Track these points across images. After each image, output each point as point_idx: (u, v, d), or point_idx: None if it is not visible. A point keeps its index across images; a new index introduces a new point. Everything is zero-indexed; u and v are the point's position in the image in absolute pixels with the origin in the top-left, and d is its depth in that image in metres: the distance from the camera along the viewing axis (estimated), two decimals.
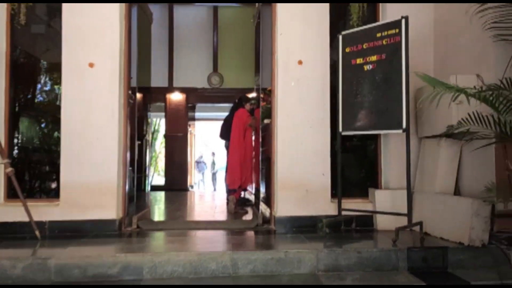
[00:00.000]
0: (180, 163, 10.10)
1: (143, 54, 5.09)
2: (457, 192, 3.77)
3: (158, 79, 10.14)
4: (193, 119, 11.19)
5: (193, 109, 10.86)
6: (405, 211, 3.52)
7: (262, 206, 4.98)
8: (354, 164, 4.48)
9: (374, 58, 3.72)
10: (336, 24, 4.35)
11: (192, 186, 11.89)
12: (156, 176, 13.83)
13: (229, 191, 5.48)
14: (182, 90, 10.17)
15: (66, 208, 3.83)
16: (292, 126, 4.08)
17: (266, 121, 4.55)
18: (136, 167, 4.88)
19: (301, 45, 4.13)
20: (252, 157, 5.49)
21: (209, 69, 10.31)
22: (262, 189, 5.21)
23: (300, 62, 4.12)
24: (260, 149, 4.98)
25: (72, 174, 3.84)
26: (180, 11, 10.45)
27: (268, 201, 4.43)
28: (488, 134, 3.15)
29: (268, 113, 4.51)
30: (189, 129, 11.75)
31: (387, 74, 3.61)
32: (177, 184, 10.04)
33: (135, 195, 4.42)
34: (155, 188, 10.57)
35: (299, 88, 4.11)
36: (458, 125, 3.21)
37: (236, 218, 5.02)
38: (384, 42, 3.65)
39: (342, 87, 3.93)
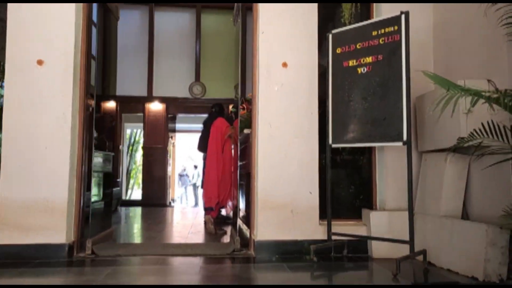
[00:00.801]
0: (159, 176, 9.48)
1: (110, 57, 4.54)
2: (464, 215, 3.26)
3: (136, 88, 9.58)
4: (174, 130, 10.60)
5: (173, 120, 10.28)
6: (405, 236, 2.99)
7: (242, 226, 4.41)
8: (345, 181, 3.96)
9: (369, 59, 3.23)
10: (326, 24, 3.88)
11: (173, 201, 11.23)
12: (136, 190, 13.13)
13: (206, 209, 4.88)
14: (162, 99, 9.60)
15: (4, 230, 3.21)
16: (275, 137, 3.56)
17: (246, 131, 4.01)
18: (104, 181, 4.31)
19: (286, 46, 3.64)
20: (232, 172, 4.91)
21: (191, 78, 9.79)
22: (242, 206, 4.66)
23: (284, 65, 3.62)
24: (239, 162, 4.43)
25: (12, 189, 3.23)
26: (161, 17, 9.96)
27: (248, 221, 3.88)
28: (504, 148, 2.66)
29: (248, 122, 3.98)
30: (171, 141, 11.17)
31: (385, 77, 3.13)
32: (155, 199, 9.40)
33: (89, 214, 3.82)
34: (131, 203, 9.90)
35: (283, 94, 3.60)
36: (470, 138, 2.72)
37: (212, 240, 4.44)
38: (381, 41, 3.17)
39: (333, 93, 3.43)
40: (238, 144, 4.39)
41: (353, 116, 3.30)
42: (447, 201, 3.23)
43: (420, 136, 3.60)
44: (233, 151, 4.97)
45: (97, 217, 4.24)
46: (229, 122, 4.91)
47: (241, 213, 4.65)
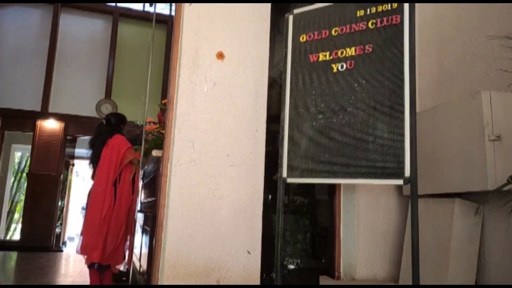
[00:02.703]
0: (47, 212, 7.54)
1: None
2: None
3: (27, 101, 7.75)
4: (73, 156, 8.78)
5: (73, 142, 8.50)
6: None
7: None
8: (295, 234, 2.76)
9: (351, 51, 2.13)
10: (285, 6, 2.78)
11: (65, 244, 9.17)
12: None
13: (89, 267, 3.30)
14: (60, 117, 7.85)
15: None
16: (200, 163, 2.28)
17: (155, 153, 2.65)
18: None
19: (223, 28, 2.44)
20: (127, 213, 3.40)
21: (100, 95, 8.21)
22: (144, 264, 3.21)
23: (220, 55, 2.41)
24: (143, 199, 3.03)
25: None
26: (68, 20, 8.36)
27: None
28: None
29: (160, 140, 2.67)
30: (70, 167, 9.28)
31: (376, 79, 2.04)
32: (40, 240, 7.42)
33: None
34: (9, 246, 7.73)
35: (216, 98, 2.36)
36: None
37: None
38: (370, 25, 2.10)
39: (291, 101, 2.26)
40: (140, 172, 3.01)
41: (323, 137, 2.14)
42: (456, 267, 2.13)
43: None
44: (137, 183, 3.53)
45: None
46: (133, 143, 3.45)
47: (142, 276, 3.20)
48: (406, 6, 2.00)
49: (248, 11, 2.48)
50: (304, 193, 2.92)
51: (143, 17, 8.65)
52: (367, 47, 2.08)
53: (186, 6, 2.39)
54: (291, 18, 2.35)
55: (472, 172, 2.02)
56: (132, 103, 8.14)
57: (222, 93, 2.37)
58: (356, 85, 2.08)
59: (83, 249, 3.15)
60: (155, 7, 4.40)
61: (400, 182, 1.90)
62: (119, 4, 8.75)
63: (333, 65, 2.16)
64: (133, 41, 8.68)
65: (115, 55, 8.49)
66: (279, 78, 2.74)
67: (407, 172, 1.88)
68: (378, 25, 2.06)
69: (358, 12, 2.13)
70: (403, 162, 1.90)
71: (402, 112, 1.94)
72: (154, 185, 2.92)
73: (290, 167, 2.20)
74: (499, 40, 2.23)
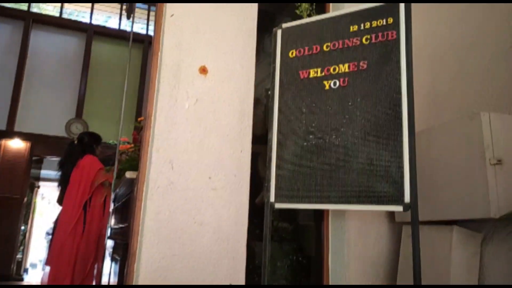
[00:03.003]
0: (8, 236, 7.04)
1: None
2: None
3: None
4: (38, 178, 8.33)
5: (39, 163, 8.08)
6: None
7: None
8: (280, 264, 2.56)
9: (344, 68, 2.01)
10: (272, 20, 2.66)
11: (27, 271, 8.60)
12: None
13: None
14: (26, 136, 7.47)
15: None
16: (179, 186, 2.07)
17: (128, 174, 2.43)
18: None
19: (207, 42, 2.29)
20: (97, 240, 3.11)
21: (70, 114, 7.90)
22: None
23: (203, 70, 2.24)
24: (114, 225, 2.78)
25: None
26: (40, 37, 8.09)
27: None
28: None
29: (134, 160, 2.45)
30: (35, 190, 8.81)
31: (371, 97, 1.91)
32: None
33: None
34: None
35: (198, 116, 2.18)
36: None
37: None
38: (364, 41, 1.98)
39: (279, 120, 2.11)
40: (112, 196, 2.77)
41: (314, 158, 1.98)
42: None
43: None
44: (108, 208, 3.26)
45: None
46: (105, 164, 3.19)
47: None
48: (403, 21, 1.90)
49: (234, 25, 2.34)
50: (288, 219, 2.74)
51: (119, 36, 8.45)
52: (361, 64, 1.96)
53: (168, 17, 2.23)
54: (279, 32, 2.22)
55: (472, 198, 1.90)
56: (104, 124, 7.85)
57: (205, 110, 2.19)
58: (350, 103, 1.95)
59: (51, 282, 2.83)
60: (132, 22, 4.24)
61: (399, 208, 1.75)
62: (94, 22, 8.55)
63: (325, 82, 2.03)
64: (108, 60, 8.45)
65: (88, 73, 8.21)
66: (263, 97, 2.60)
67: (407, 198, 1.74)
68: (373, 40, 1.95)
69: (351, 27, 2.02)
70: (402, 186, 1.76)
71: (400, 133, 1.81)
72: (126, 210, 2.67)
73: (278, 191, 2.03)
74: (494, 57, 2.15)
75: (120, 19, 8.76)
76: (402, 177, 1.76)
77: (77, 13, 8.76)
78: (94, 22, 8.53)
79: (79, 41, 8.43)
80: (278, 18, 2.73)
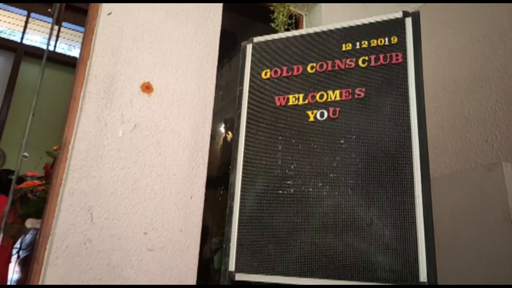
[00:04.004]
0: None
1: None
2: None
3: None
4: None
5: None
6: None
7: None
8: None
9: (335, 95, 1.55)
10: (239, 33, 2.18)
11: None
12: None
13: None
14: None
15: None
16: (100, 245, 1.45)
17: (30, 223, 1.75)
18: None
19: (154, 52, 1.75)
20: None
21: None
22: None
23: (147, 88, 1.69)
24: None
25: None
26: None
27: None
28: None
29: (40, 202, 1.79)
30: None
31: (371, 135, 1.45)
32: None
33: None
34: None
35: (135, 147, 1.60)
36: None
37: None
38: (361, 63, 1.55)
39: (247, 157, 1.58)
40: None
41: (291, 213, 1.46)
42: None
43: None
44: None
45: None
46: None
47: None
48: (410, 41, 1.49)
49: (190, 35, 1.83)
50: None
51: (52, 58, 7.64)
52: (357, 91, 1.51)
53: (104, 15, 1.68)
54: (249, 47, 1.74)
55: (497, 269, 1.46)
56: (27, 152, 6.86)
57: (146, 141, 1.62)
58: (342, 141, 1.47)
59: None
60: (49, 38, 3.63)
61: None
62: (25, 42, 7.69)
63: (309, 113, 1.55)
64: (36, 85, 7.56)
65: (12, 97, 7.26)
66: (224, 127, 2.07)
67: (423, 276, 1.25)
68: (372, 63, 1.52)
69: (344, 46, 1.58)
70: (416, 260, 1.28)
71: (410, 184, 1.35)
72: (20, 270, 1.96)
73: (240, 257, 1.47)
74: (500, 100, 1.81)
75: (50, 39, 7.97)
76: (415, 246, 1.28)
77: (10, 31, 7.87)
78: (25, 42, 7.68)
79: (6, 61, 7.50)
80: (250, 33, 2.27)
